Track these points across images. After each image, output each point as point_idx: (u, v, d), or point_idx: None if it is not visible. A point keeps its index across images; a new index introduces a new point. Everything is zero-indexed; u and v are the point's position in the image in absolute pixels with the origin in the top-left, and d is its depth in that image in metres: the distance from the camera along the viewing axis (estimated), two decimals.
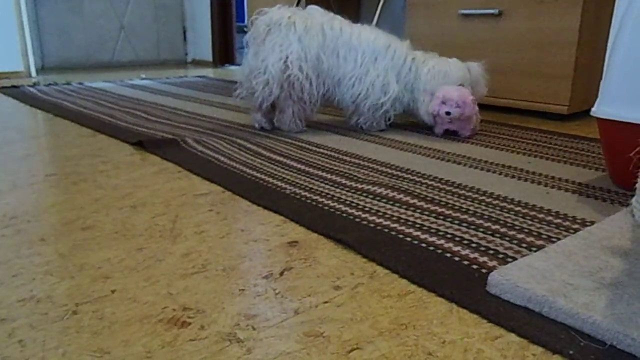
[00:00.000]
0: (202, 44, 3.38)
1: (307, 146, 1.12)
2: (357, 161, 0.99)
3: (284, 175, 0.88)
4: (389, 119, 1.26)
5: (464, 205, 0.73)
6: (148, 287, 0.50)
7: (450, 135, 1.23)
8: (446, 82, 1.20)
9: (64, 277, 0.52)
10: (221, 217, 0.70)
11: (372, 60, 1.18)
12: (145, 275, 0.53)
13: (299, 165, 0.95)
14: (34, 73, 2.64)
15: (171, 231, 0.65)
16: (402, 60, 1.22)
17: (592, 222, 0.66)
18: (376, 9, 1.81)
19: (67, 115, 1.50)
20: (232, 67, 3.17)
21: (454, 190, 0.81)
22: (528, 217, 0.69)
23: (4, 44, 2.53)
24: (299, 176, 0.88)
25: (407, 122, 1.42)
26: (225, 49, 3.26)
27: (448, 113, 1.15)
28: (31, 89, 2.10)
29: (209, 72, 2.90)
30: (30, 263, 0.56)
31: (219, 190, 0.82)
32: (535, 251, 0.57)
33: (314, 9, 1.21)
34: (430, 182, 0.85)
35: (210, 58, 3.32)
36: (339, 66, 1.17)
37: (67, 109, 1.61)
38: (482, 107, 1.69)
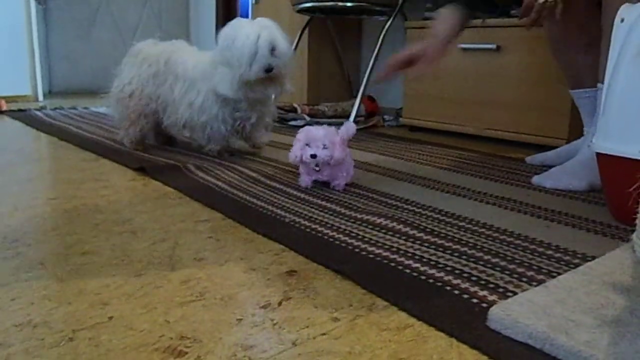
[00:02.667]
0: None
1: None
2: (356, 190, 1.00)
3: (283, 204, 0.89)
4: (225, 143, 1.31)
5: (463, 238, 0.73)
6: (145, 314, 0.50)
7: (322, 187, 1.00)
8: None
9: (62, 302, 0.52)
10: (220, 244, 0.70)
11: (191, 86, 1.26)
12: (142, 303, 0.52)
13: (298, 194, 0.96)
14: (41, 97, 2.69)
15: (170, 258, 0.65)
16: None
17: (593, 257, 0.66)
18: (377, 40, 1.86)
19: (71, 139, 1.52)
20: None
21: (454, 222, 0.81)
22: (528, 251, 0.69)
23: (14, 68, 2.59)
24: (299, 204, 0.89)
25: (403, 150, 1.43)
26: None
27: (314, 156, 0.93)
28: (38, 113, 2.14)
29: None
30: (29, 287, 0.55)
31: (219, 217, 0.82)
32: (535, 286, 0.56)
33: (176, 42, 1.36)
34: (429, 214, 0.85)
35: None
36: (166, 93, 1.29)
37: (71, 133, 1.63)
38: (482, 139, 1.72)
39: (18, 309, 0.50)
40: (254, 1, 2.53)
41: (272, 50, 1.16)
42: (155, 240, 0.70)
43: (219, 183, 1.03)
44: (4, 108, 2.19)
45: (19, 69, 2.59)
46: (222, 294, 0.55)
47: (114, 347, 0.44)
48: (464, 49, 1.66)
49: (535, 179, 1.12)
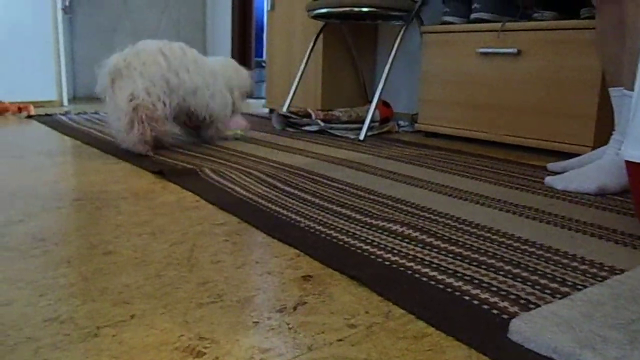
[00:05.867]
0: None
1: (322, 180, 1.13)
2: (372, 197, 0.99)
3: (298, 209, 0.89)
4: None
5: (482, 247, 0.72)
6: (165, 314, 0.51)
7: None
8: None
9: (87, 300, 0.53)
10: (237, 247, 0.70)
11: (213, 79, 1.45)
12: (162, 302, 0.53)
13: (313, 199, 0.96)
14: (65, 102, 2.77)
15: (188, 260, 0.65)
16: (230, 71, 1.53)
17: (622, 271, 0.64)
18: (393, 45, 1.86)
19: (94, 142, 1.56)
20: (251, 101, 3.26)
21: (472, 230, 0.80)
22: (551, 262, 0.67)
23: (41, 74, 2.68)
24: (314, 210, 0.89)
25: (418, 156, 1.42)
26: None
27: None
28: (63, 117, 2.20)
29: None
30: (56, 284, 0.57)
31: (235, 221, 0.83)
32: (560, 298, 0.55)
33: (145, 42, 1.39)
34: (447, 221, 0.84)
35: None
36: (190, 79, 1.39)
37: (94, 136, 1.68)
38: (500, 145, 1.69)
39: (46, 305, 0.52)
40: (269, 8, 2.57)
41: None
42: (174, 242, 0.71)
43: (235, 187, 1.04)
44: (32, 113, 2.26)
45: (46, 75, 2.68)
46: (239, 296, 0.55)
47: (136, 344, 0.45)
48: (483, 54, 1.64)
49: (548, 180, 1.10)
